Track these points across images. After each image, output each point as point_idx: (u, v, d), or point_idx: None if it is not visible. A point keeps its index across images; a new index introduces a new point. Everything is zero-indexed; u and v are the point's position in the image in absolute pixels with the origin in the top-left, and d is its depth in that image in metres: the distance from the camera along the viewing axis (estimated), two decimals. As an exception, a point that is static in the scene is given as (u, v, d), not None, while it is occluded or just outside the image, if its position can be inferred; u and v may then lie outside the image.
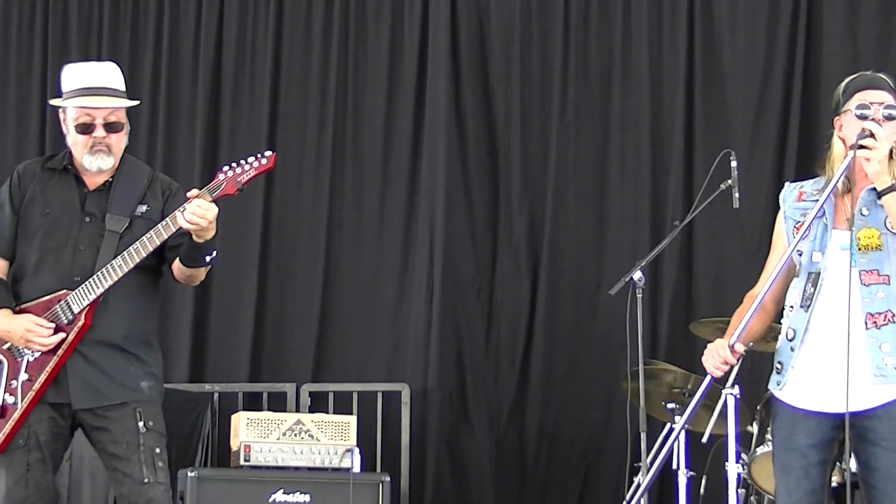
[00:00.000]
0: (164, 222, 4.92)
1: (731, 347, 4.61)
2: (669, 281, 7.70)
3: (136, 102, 5.16)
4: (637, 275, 6.13)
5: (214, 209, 4.86)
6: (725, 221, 7.49)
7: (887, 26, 7.69)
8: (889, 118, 4.59)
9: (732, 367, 4.69)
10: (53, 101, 5.21)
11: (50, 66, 8.18)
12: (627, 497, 6.40)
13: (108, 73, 5.14)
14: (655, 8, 7.93)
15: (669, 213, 7.66)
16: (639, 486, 6.07)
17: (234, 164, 5.00)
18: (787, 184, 4.93)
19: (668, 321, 7.66)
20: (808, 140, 7.48)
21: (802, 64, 7.76)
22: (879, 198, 4.55)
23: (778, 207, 4.87)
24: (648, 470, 5.96)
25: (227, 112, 8.19)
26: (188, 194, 4.90)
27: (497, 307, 7.92)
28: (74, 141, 5.09)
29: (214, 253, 5.04)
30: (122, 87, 5.15)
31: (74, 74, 5.13)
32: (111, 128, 5.07)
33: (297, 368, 7.91)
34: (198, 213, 4.82)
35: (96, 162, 5.07)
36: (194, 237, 4.90)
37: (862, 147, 4.48)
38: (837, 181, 4.56)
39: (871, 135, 4.49)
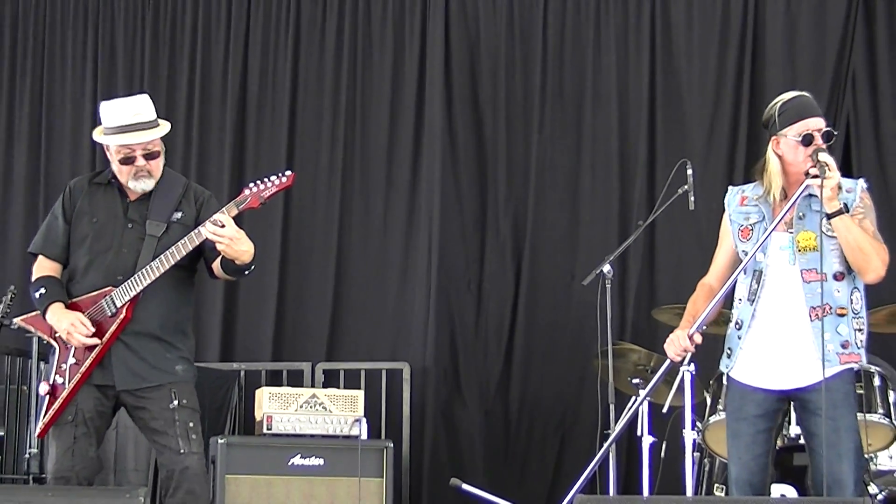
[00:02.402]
0: (196, 230, 4.91)
1: (690, 337, 4.64)
2: (634, 273, 7.68)
3: (166, 130, 5.09)
4: (606, 268, 6.12)
5: (230, 227, 4.84)
6: (683, 222, 7.46)
7: (821, 54, 7.67)
8: (828, 140, 4.64)
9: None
10: (96, 137, 5.14)
11: (99, 93, 8.14)
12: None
13: (140, 109, 5.07)
14: (622, 38, 7.91)
15: (634, 214, 7.64)
16: (609, 451, 6.03)
17: (258, 181, 4.98)
18: (730, 188, 4.95)
19: (634, 308, 7.64)
20: (755, 151, 7.46)
21: (748, 86, 7.75)
22: (829, 219, 4.55)
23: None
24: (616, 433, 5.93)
25: (252, 130, 8.17)
26: (213, 216, 4.89)
27: (485, 297, 7.89)
28: (119, 170, 5.07)
29: (252, 268, 5.04)
30: (154, 117, 5.08)
31: (111, 112, 5.06)
32: (149, 156, 5.05)
33: (313, 349, 7.89)
34: (211, 229, 4.83)
35: (140, 185, 5.07)
36: (235, 261, 4.91)
37: (817, 176, 4.49)
38: (787, 211, 4.59)
39: (827, 165, 4.51)
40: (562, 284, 7.75)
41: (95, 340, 4.93)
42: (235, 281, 7.57)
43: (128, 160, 5.02)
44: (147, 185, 5.05)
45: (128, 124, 5.01)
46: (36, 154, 8.30)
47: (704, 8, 7.84)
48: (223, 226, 4.84)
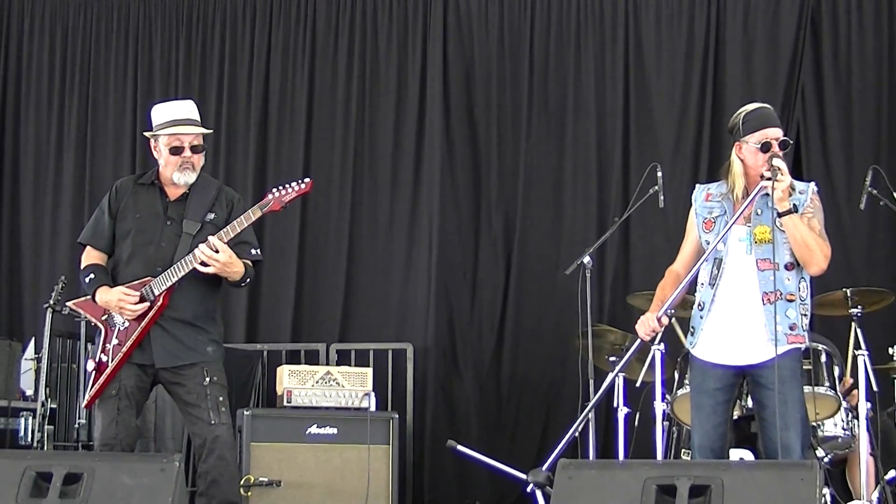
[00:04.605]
0: (192, 253, 4.95)
1: (658, 319, 4.68)
2: (611, 263, 7.70)
3: (211, 131, 5.18)
4: (586, 259, 6.15)
5: (223, 252, 4.88)
6: (654, 218, 7.47)
7: (774, 71, 7.69)
8: (784, 147, 4.70)
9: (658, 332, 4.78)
10: (147, 133, 5.21)
11: (139, 103, 8.18)
12: (580, 429, 6.39)
13: (191, 109, 5.18)
14: (599, 57, 7.93)
15: (611, 212, 7.65)
16: (588, 421, 6.07)
17: (279, 187, 5.03)
18: (697, 186, 5.00)
19: (610, 294, 7.66)
20: (717, 156, 7.49)
21: (711, 98, 7.77)
22: (780, 217, 4.61)
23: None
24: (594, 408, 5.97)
25: (273, 138, 8.18)
26: (209, 238, 4.93)
27: (479, 285, 7.91)
28: (167, 162, 5.11)
29: (248, 280, 5.11)
30: (199, 119, 5.19)
31: (165, 110, 5.16)
32: (195, 149, 5.11)
33: (327, 332, 7.90)
34: (207, 253, 4.88)
35: (184, 177, 5.10)
36: (228, 278, 4.99)
37: (770, 179, 4.54)
38: (745, 207, 4.65)
39: (780, 170, 4.57)
40: (547, 274, 7.77)
41: (145, 305, 4.97)
42: (258, 271, 7.64)
43: (177, 150, 5.07)
44: (189, 177, 5.10)
45: (181, 118, 5.11)
46: (82, 160, 8.32)
47: (672, 30, 7.87)
48: (217, 251, 4.90)
